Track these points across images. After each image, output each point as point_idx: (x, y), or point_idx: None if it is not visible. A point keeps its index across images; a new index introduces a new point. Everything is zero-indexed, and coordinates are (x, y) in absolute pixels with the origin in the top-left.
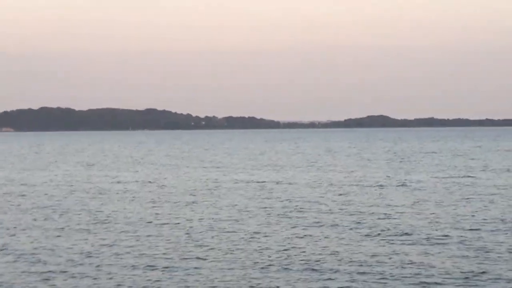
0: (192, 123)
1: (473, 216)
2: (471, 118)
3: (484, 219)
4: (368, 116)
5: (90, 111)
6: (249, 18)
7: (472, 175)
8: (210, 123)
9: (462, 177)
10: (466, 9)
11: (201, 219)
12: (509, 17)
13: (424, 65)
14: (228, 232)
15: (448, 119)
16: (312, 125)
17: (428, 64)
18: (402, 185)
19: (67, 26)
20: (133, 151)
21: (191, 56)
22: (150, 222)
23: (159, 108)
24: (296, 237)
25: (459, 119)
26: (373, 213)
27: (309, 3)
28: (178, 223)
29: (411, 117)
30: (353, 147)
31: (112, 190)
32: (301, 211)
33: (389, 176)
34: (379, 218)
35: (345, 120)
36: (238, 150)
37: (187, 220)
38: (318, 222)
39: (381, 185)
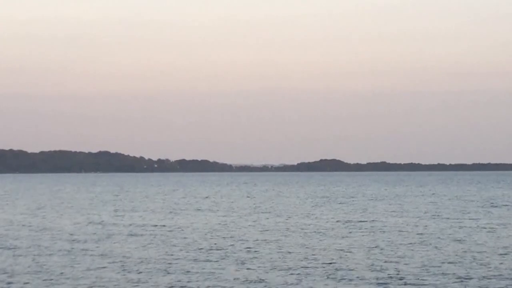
0: (145, 166)
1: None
2: (423, 163)
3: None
4: (321, 160)
5: (42, 154)
6: (202, 62)
7: (376, 219)
8: (162, 166)
9: (364, 221)
10: (401, 53)
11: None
12: (455, 62)
13: (377, 110)
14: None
15: (400, 164)
16: (265, 168)
17: (381, 109)
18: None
19: (17, 69)
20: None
21: (143, 98)
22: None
23: (112, 150)
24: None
25: (411, 163)
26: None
27: (275, 49)
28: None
29: (364, 161)
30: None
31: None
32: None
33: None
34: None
35: (298, 164)
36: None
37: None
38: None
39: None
